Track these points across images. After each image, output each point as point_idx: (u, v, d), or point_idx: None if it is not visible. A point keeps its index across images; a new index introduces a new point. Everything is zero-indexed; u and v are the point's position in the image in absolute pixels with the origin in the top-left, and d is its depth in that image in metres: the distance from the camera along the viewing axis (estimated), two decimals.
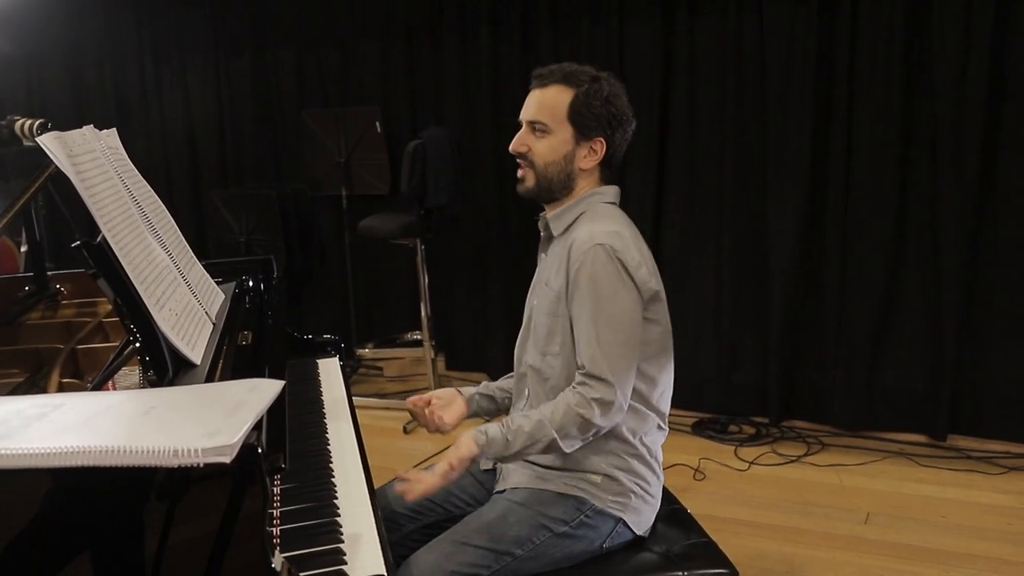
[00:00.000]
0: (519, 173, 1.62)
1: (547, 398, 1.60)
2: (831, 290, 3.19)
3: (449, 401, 1.73)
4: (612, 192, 1.65)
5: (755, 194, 3.26)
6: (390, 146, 3.86)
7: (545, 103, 1.58)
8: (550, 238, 1.66)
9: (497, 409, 1.80)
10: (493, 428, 1.54)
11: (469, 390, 1.77)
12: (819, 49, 3.05)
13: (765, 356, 3.34)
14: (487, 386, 1.79)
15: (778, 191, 3.19)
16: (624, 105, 1.59)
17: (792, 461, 3.08)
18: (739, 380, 3.41)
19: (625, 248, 1.52)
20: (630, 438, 1.59)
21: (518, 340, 1.74)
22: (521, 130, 1.61)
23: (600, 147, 1.59)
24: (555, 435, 1.50)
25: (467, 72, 3.75)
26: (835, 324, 3.20)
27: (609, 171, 1.64)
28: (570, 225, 1.61)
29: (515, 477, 1.63)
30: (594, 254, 1.50)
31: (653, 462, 1.64)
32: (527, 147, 1.60)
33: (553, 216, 1.63)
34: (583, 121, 1.57)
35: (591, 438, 1.54)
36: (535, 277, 1.71)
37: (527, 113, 1.60)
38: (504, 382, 1.80)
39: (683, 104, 3.32)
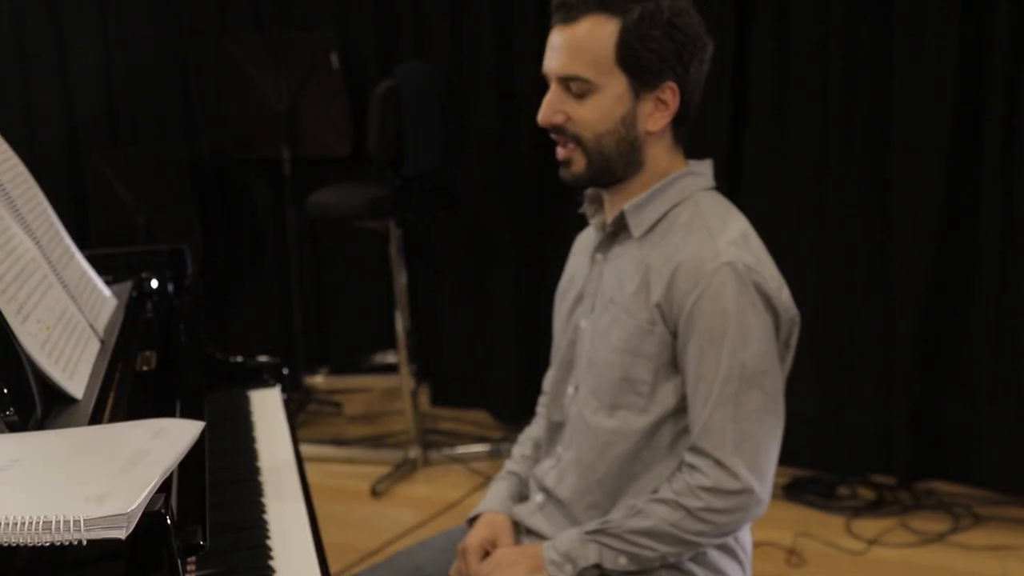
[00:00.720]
0: (560, 153, 1.59)
1: (609, 468, 1.60)
2: (984, 296, 3.17)
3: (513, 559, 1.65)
4: (709, 170, 1.64)
5: (874, 162, 3.25)
6: (351, 89, 3.86)
7: (580, 47, 1.53)
8: (615, 235, 1.63)
9: None
10: (563, 535, 1.59)
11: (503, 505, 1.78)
12: None
13: (888, 388, 3.32)
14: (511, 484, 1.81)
15: (908, 159, 3.17)
16: (695, 23, 1.55)
17: (932, 540, 3.06)
18: (851, 422, 3.40)
19: (760, 265, 1.53)
20: None
21: (553, 377, 1.74)
22: (551, 90, 1.57)
23: (672, 95, 1.55)
24: (652, 524, 1.52)
25: None
26: (990, 344, 3.18)
27: (684, 128, 1.61)
28: (659, 221, 1.58)
29: None
30: (722, 279, 1.49)
31: (739, 550, 1.65)
32: (564, 115, 1.56)
33: (632, 208, 1.59)
34: (641, 63, 1.52)
35: (716, 541, 1.56)
36: (583, 287, 1.69)
37: (554, 64, 1.55)
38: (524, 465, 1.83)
39: (769, 31, 3.30)
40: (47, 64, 4.36)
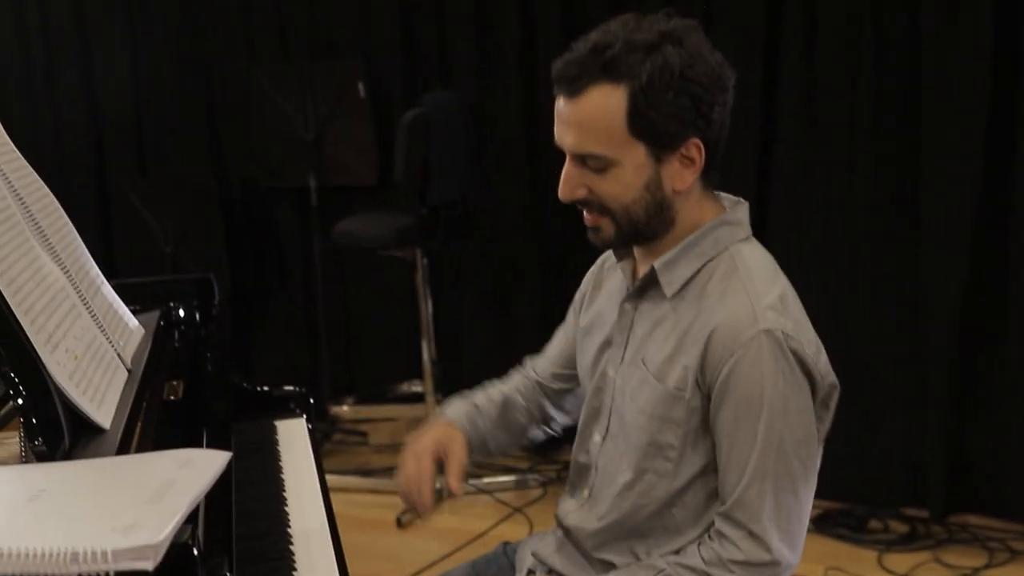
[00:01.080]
0: (587, 219, 1.55)
1: (635, 525, 1.59)
2: (1018, 327, 3.13)
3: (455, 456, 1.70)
4: (744, 216, 1.58)
5: (903, 176, 3.23)
6: (378, 117, 3.88)
7: (590, 123, 1.46)
8: (645, 289, 1.59)
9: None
10: None
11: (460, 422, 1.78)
12: None
13: (922, 416, 3.29)
14: (477, 409, 1.82)
15: (939, 185, 3.15)
16: (712, 65, 1.46)
17: (966, 575, 3.02)
18: (883, 454, 3.37)
19: (798, 330, 1.49)
20: None
21: (580, 420, 1.72)
22: (567, 164, 1.51)
23: (696, 151, 1.48)
24: None
25: (486, 11, 3.77)
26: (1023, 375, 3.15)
27: (712, 173, 1.55)
28: (692, 278, 1.54)
29: None
30: (758, 348, 1.45)
31: None
32: (586, 189, 1.50)
33: (663, 266, 1.54)
34: (657, 130, 1.45)
35: None
36: (611, 334, 1.66)
37: (567, 141, 1.49)
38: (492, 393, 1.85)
39: (796, 54, 3.30)
40: (75, 91, 4.41)
